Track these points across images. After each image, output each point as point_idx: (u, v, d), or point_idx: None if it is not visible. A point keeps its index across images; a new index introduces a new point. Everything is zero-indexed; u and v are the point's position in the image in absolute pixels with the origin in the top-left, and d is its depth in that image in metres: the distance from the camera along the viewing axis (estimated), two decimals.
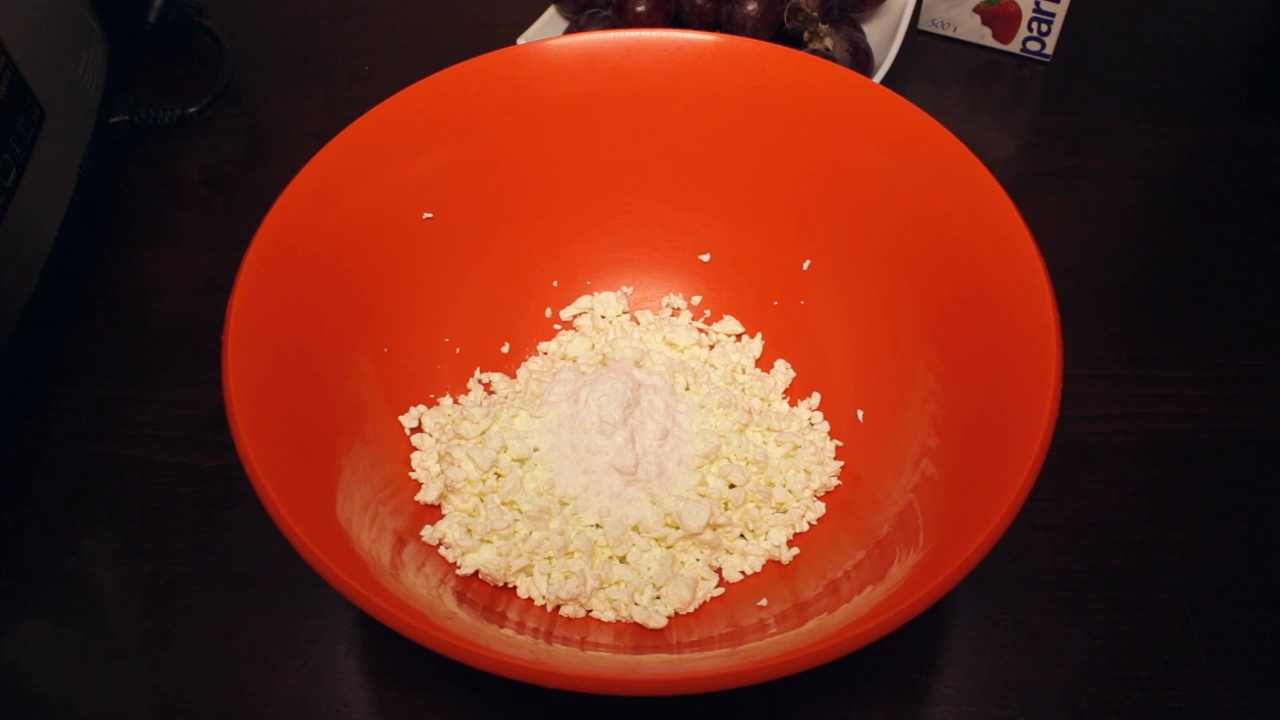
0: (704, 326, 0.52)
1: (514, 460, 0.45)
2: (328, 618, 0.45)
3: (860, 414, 0.47)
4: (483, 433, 0.47)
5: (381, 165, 0.47)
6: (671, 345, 0.51)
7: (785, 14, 0.63)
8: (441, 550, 0.43)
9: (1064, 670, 0.43)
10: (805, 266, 0.50)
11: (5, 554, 0.48)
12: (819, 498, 0.45)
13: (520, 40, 0.64)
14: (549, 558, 0.43)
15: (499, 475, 0.45)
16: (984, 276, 0.42)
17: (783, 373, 0.50)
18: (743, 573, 0.44)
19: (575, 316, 0.53)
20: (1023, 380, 0.37)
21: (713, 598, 0.43)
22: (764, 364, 0.51)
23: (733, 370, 0.50)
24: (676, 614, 0.42)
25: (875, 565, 0.39)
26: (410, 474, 0.46)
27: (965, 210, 0.43)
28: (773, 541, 0.44)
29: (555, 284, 0.53)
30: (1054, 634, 0.44)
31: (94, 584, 0.47)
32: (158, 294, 0.59)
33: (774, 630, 0.39)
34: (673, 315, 0.53)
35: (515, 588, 0.43)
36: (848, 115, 0.47)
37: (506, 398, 0.49)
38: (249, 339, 0.39)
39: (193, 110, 0.64)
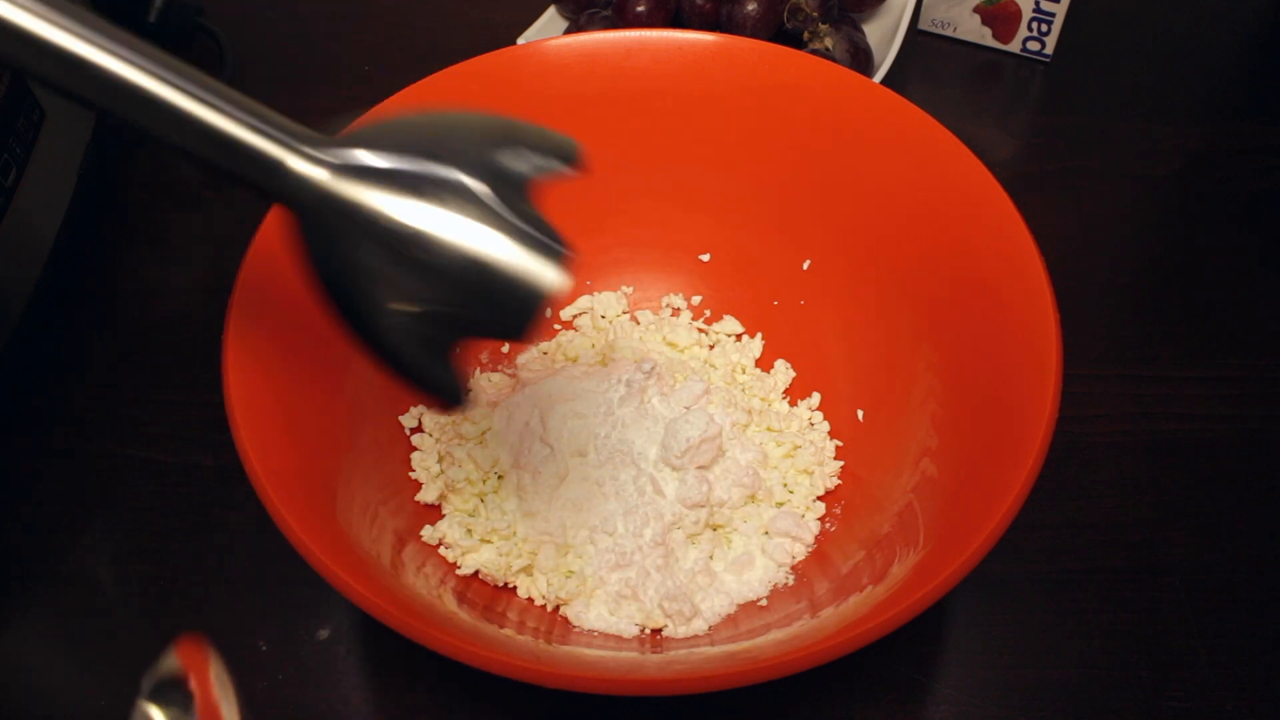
0: (704, 326, 0.52)
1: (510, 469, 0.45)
2: (328, 618, 0.45)
3: (860, 414, 0.47)
4: (483, 433, 0.47)
5: None
6: (671, 345, 0.51)
7: (785, 14, 0.63)
8: (441, 550, 0.43)
9: (1064, 670, 0.43)
10: (805, 266, 0.50)
11: (5, 554, 0.48)
12: (819, 498, 0.45)
13: (520, 40, 0.64)
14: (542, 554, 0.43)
15: (500, 476, 0.45)
16: (984, 276, 0.42)
17: (783, 373, 0.50)
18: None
19: (575, 316, 0.53)
20: (1023, 380, 0.37)
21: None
22: (764, 364, 0.51)
23: (733, 370, 0.50)
24: (678, 614, 0.42)
25: (875, 565, 0.39)
26: (410, 474, 0.46)
27: (965, 210, 0.43)
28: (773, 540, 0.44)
29: None
30: (1054, 634, 0.44)
31: (94, 584, 0.47)
32: (158, 294, 0.59)
33: (774, 630, 0.39)
34: (673, 315, 0.53)
35: (515, 588, 0.43)
36: (848, 115, 0.47)
37: (508, 397, 0.49)
38: (249, 339, 0.39)
39: None
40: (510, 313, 0.28)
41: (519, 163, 0.28)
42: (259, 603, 0.46)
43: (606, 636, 0.41)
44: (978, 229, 0.42)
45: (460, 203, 0.27)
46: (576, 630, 0.42)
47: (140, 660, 0.45)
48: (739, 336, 0.52)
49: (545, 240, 0.27)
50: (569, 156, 0.29)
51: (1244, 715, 0.42)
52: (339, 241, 0.27)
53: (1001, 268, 0.41)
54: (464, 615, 0.38)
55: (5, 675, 0.45)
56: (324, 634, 0.45)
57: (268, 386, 0.39)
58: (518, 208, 0.27)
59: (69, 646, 0.45)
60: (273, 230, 0.43)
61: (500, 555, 0.43)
